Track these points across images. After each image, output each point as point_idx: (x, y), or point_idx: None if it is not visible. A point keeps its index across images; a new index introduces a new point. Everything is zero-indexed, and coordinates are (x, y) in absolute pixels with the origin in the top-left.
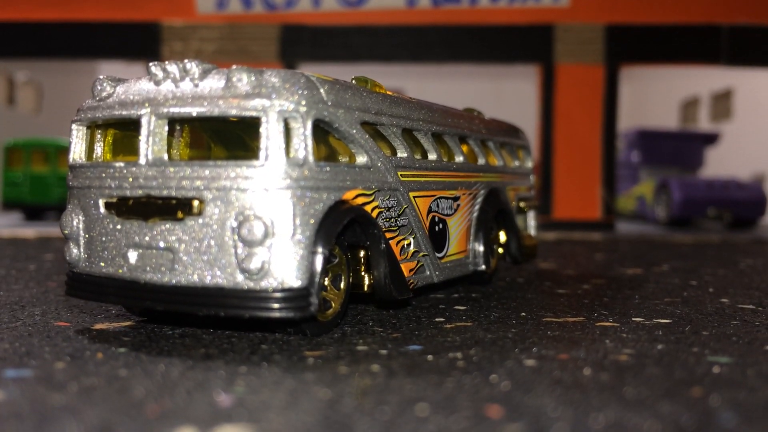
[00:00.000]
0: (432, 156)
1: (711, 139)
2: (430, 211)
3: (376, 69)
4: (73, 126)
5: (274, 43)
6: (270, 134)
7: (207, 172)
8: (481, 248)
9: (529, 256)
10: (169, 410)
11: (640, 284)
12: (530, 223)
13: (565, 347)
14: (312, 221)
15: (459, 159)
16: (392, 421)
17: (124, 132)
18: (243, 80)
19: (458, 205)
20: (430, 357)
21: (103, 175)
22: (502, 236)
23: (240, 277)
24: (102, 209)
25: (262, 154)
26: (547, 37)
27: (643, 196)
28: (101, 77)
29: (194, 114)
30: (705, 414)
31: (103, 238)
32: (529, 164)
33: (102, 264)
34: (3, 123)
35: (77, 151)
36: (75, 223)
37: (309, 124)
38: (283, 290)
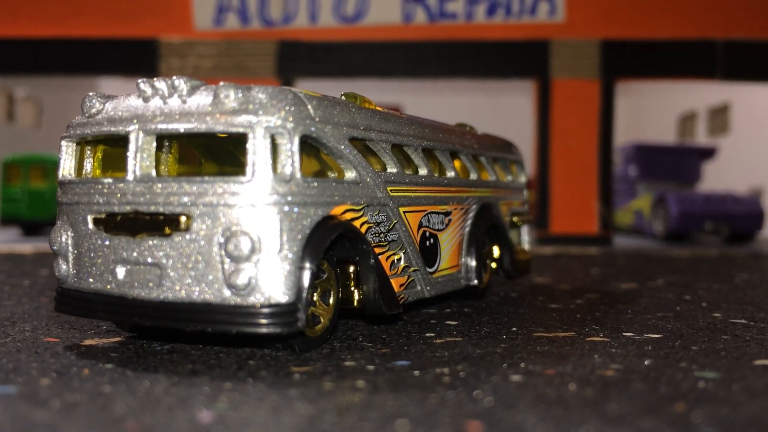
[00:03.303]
0: (422, 171)
1: (708, 153)
2: (420, 226)
3: (373, 84)
4: (63, 142)
5: (271, 59)
6: (257, 150)
7: (194, 187)
8: (473, 263)
9: (523, 270)
10: (149, 426)
11: (634, 299)
12: (524, 237)
13: (552, 362)
14: (299, 237)
15: (450, 174)
16: None
17: (113, 148)
18: (230, 97)
19: (450, 220)
20: (416, 372)
21: (92, 191)
22: (496, 251)
23: (227, 293)
24: (90, 225)
25: (248, 170)
26: (543, 52)
27: (641, 211)
28: (91, 94)
29: (182, 130)
30: (686, 430)
31: (92, 254)
32: (523, 179)
33: (90, 280)
34: (2, 139)
35: (67, 168)
36: (64, 239)
37: (296, 140)
38: (270, 306)
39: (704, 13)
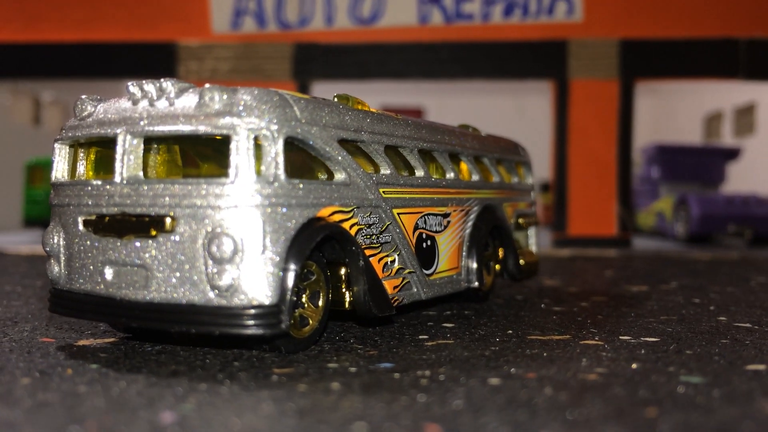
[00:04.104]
0: (419, 173)
1: (733, 154)
2: (416, 227)
3: (392, 87)
4: (56, 145)
5: (287, 62)
6: (239, 152)
7: (179, 189)
8: (474, 265)
9: (529, 273)
10: (108, 427)
11: (641, 302)
12: (530, 239)
13: (537, 366)
14: (283, 238)
15: (450, 175)
16: None
17: (105, 150)
18: (215, 99)
19: (449, 222)
20: (396, 375)
21: (82, 193)
22: (500, 253)
23: (211, 294)
24: (80, 227)
25: (231, 171)
26: (560, 52)
27: (663, 212)
28: (83, 97)
29: (167, 132)
30: None
31: (82, 255)
32: (530, 180)
33: (81, 281)
34: (29, 142)
35: (59, 170)
36: (56, 241)
37: (280, 142)
38: (253, 307)
39: (725, 12)
